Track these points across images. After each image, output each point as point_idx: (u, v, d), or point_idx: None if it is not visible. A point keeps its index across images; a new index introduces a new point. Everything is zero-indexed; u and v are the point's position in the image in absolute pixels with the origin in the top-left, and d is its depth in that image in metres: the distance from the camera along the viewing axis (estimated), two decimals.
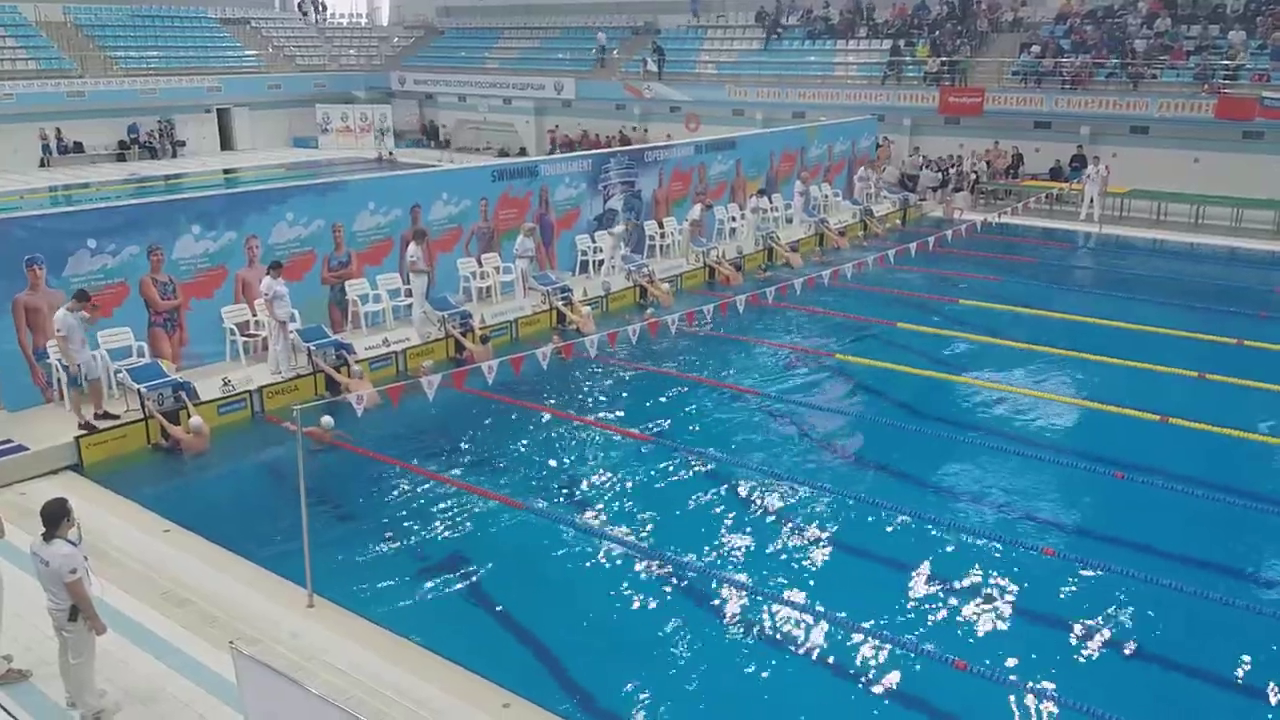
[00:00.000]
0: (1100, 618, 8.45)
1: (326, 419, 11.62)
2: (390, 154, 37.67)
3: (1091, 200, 25.26)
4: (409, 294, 15.66)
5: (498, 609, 8.63)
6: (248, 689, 6.02)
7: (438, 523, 10.05)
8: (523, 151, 37.35)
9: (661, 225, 21.11)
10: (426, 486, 10.84)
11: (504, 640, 8.23)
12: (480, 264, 17.44)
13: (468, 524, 10.03)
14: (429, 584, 8.96)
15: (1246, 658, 7.92)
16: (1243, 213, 24.92)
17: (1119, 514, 10.48)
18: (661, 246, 20.91)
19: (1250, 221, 24.86)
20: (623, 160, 20.72)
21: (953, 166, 29.13)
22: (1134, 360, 14.68)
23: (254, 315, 14.03)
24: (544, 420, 12.79)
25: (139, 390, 11.82)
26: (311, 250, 15.04)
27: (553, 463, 11.64)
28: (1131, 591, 8.79)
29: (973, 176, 28.55)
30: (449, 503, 10.44)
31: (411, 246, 15.36)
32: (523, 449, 11.96)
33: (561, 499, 10.70)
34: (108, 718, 6.90)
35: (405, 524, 10.02)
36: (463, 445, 12.05)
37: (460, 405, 12.72)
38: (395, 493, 10.72)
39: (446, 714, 7.01)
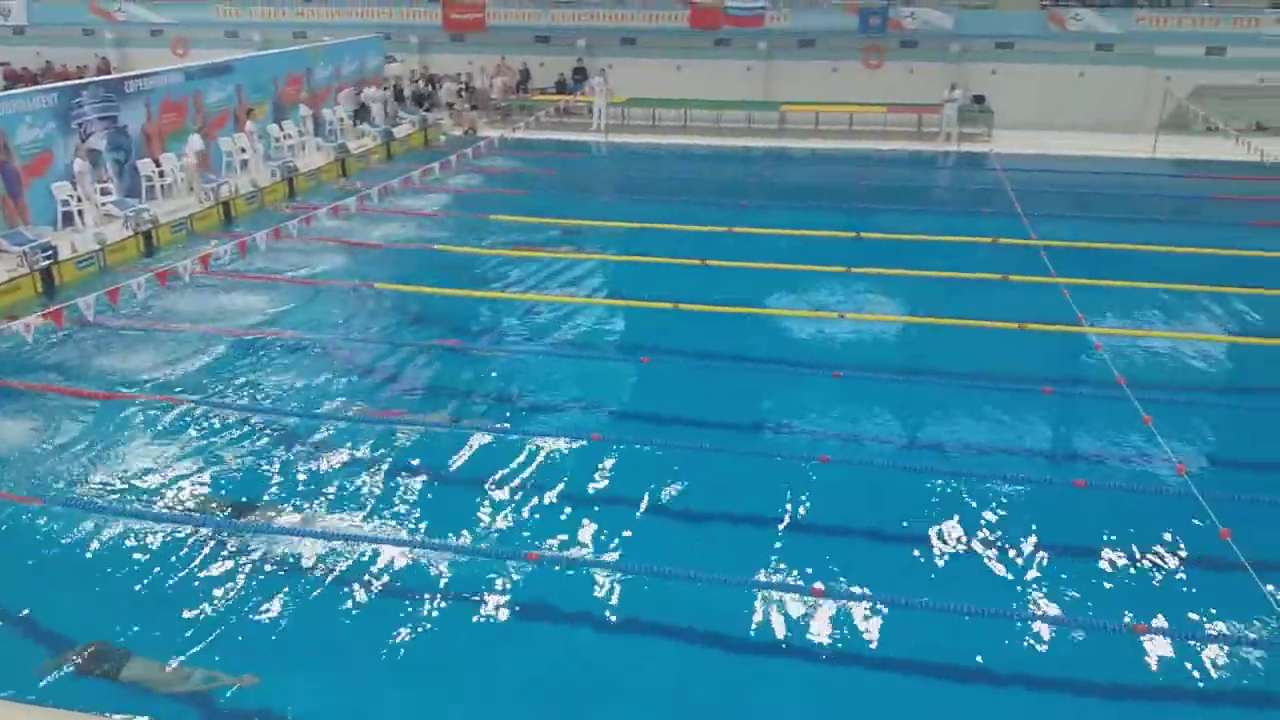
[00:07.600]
0: (635, 482, 9.29)
1: None
2: None
3: (600, 111, 26.93)
4: None
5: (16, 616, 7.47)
6: None
7: None
8: None
9: (159, 163, 18.91)
10: None
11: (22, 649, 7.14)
12: None
13: None
14: None
15: (761, 499, 9.16)
16: (722, 114, 28.08)
17: (650, 393, 11.63)
18: (163, 186, 18.77)
19: (728, 121, 28.08)
20: (98, 92, 18.11)
21: (464, 86, 29.43)
22: (646, 256, 16.10)
23: None
24: (44, 400, 10.99)
25: None
26: None
27: (63, 447, 10.10)
28: (660, 459, 9.77)
29: (484, 93, 29.07)
30: None
31: None
32: (24, 437, 10.23)
33: (81, 485, 9.36)
34: None
35: None
36: None
37: None
38: None
39: None
